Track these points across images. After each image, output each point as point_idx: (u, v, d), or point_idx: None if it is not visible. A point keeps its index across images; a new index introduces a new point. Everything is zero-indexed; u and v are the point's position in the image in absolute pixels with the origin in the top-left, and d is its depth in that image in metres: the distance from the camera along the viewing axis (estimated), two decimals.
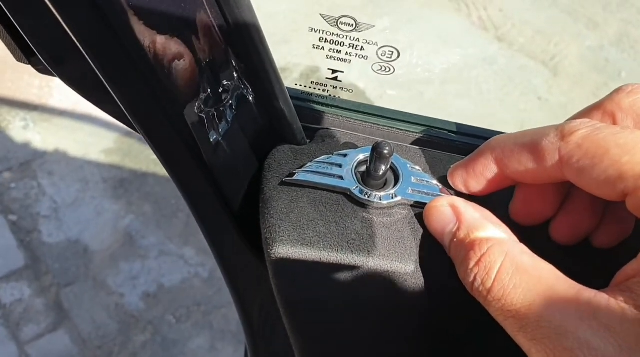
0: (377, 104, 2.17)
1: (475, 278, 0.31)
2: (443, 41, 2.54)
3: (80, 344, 1.67)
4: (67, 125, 2.11)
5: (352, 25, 0.33)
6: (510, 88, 2.39)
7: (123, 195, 1.97)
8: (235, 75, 0.39)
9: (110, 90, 0.35)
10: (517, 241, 0.33)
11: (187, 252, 1.84)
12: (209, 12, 0.35)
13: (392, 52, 0.35)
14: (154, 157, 0.39)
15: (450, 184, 0.37)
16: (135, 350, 1.68)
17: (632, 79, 2.48)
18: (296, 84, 0.40)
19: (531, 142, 0.32)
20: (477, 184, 0.36)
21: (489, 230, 0.33)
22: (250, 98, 0.40)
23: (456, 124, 0.42)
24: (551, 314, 0.28)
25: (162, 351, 1.69)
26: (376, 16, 2.54)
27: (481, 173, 0.35)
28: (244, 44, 0.36)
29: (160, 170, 1.99)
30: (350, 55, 0.35)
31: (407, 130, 0.42)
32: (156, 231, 1.89)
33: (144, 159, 2.04)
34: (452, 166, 0.37)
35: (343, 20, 0.33)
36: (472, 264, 0.32)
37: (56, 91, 2.13)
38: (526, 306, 0.29)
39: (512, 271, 0.30)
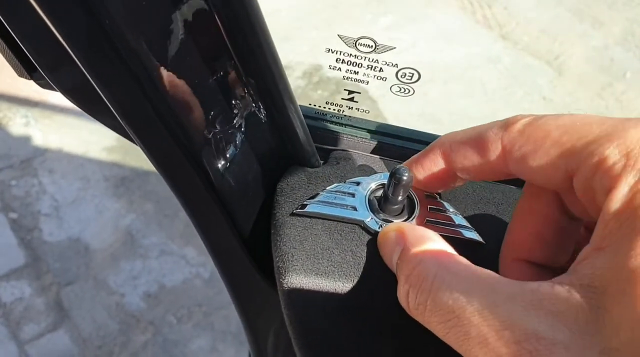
0: (380, 104, 2.16)
1: (408, 294, 0.30)
2: (447, 39, 2.52)
3: (80, 344, 1.66)
4: (68, 123, 2.10)
5: (372, 46, 0.32)
6: (515, 87, 2.38)
7: (124, 193, 1.95)
8: (246, 92, 0.37)
9: (109, 105, 0.33)
10: (455, 252, 0.31)
11: (189, 252, 1.83)
12: (219, 25, 0.33)
13: (413, 74, 0.34)
14: None
15: None
16: (135, 350, 1.67)
17: (637, 78, 2.46)
18: (310, 104, 0.38)
19: (476, 136, 0.32)
20: (425, 179, 0.35)
21: (427, 244, 0.32)
22: (262, 116, 0.39)
23: None
24: (495, 313, 0.26)
25: (163, 352, 1.68)
26: (380, 14, 2.52)
27: (429, 168, 0.35)
28: (255, 59, 0.35)
29: None
30: (369, 76, 0.34)
31: None
32: (157, 230, 1.87)
33: (145, 157, 2.02)
34: (405, 162, 0.37)
35: (362, 41, 0.31)
36: (403, 278, 0.30)
37: None
38: (467, 312, 0.27)
39: (447, 280, 0.28)
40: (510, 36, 2.55)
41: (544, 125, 0.29)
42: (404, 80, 0.35)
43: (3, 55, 0.40)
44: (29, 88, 2.16)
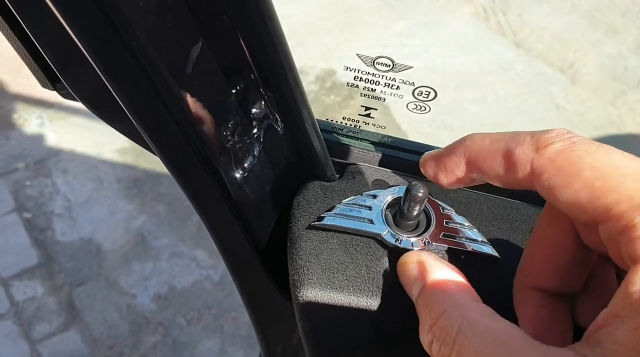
0: (392, 109, 2.16)
1: (432, 343, 0.30)
2: (460, 46, 2.52)
3: (91, 344, 1.67)
4: (82, 124, 2.12)
5: (389, 65, 0.32)
6: (527, 95, 2.37)
7: (136, 195, 1.97)
8: (264, 105, 0.38)
9: (128, 114, 0.34)
10: (478, 299, 0.31)
11: (199, 255, 1.84)
12: (239, 38, 0.34)
13: (429, 92, 0.34)
14: None
15: (421, 170, 0.36)
16: (145, 351, 1.68)
17: None
18: (327, 119, 0.39)
19: (505, 149, 0.31)
20: (445, 179, 0.34)
21: (450, 288, 0.31)
22: (279, 129, 0.39)
23: None
24: None
25: (172, 353, 1.69)
26: (392, 20, 2.52)
27: (451, 170, 0.34)
28: (274, 73, 0.35)
29: None
30: (385, 94, 0.34)
31: None
32: (169, 232, 1.89)
33: (158, 159, 2.03)
34: (425, 154, 0.36)
35: (380, 60, 0.32)
36: (427, 327, 0.30)
37: None
38: None
39: (470, 336, 0.28)
40: (524, 43, 2.54)
41: (578, 160, 0.28)
42: (420, 98, 0.35)
43: (27, 66, 0.41)
44: (44, 89, 2.18)
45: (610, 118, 2.33)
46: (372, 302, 0.34)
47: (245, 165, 0.38)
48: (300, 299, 0.35)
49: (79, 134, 2.09)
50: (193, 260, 1.84)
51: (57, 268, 1.80)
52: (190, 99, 0.35)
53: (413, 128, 2.17)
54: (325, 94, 2.28)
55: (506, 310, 0.29)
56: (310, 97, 0.40)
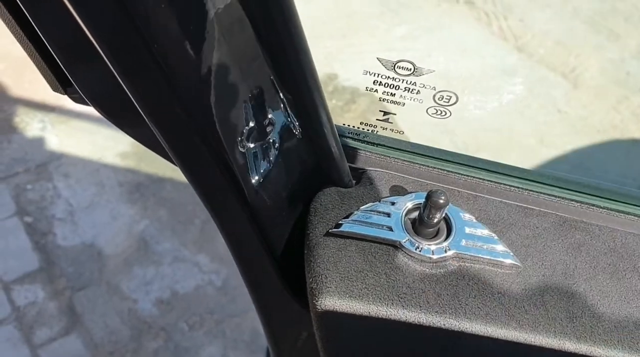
0: (397, 114, 2.15)
1: None
2: (462, 50, 2.52)
3: (92, 349, 1.66)
4: (84, 128, 2.11)
5: (410, 69, 0.32)
6: (530, 100, 2.37)
7: (138, 199, 1.96)
8: (281, 108, 0.37)
9: (146, 120, 0.33)
10: None
11: (202, 259, 1.84)
12: (258, 39, 0.33)
13: (450, 97, 0.34)
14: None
15: None
16: (147, 356, 1.67)
17: None
18: (344, 124, 0.38)
19: None
20: None
21: None
22: (297, 133, 0.39)
23: (509, 166, 0.40)
24: None
25: None
26: (395, 24, 2.52)
27: None
28: (292, 74, 0.35)
29: (177, 175, 1.99)
30: (405, 99, 0.34)
31: (457, 173, 0.40)
32: (171, 236, 1.88)
33: (160, 163, 2.03)
34: None
35: (401, 64, 0.31)
36: None
37: None
38: None
39: None
40: (526, 48, 2.54)
41: None
42: (441, 102, 0.35)
43: (39, 70, 0.40)
44: (46, 93, 2.18)
45: (612, 122, 2.33)
46: (392, 312, 0.34)
47: (262, 170, 0.38)
48: (319, 307, 0.34)
49: (81, 138, 2.09)
50: (195, 265, 1.83)
51: (58, 272, 1.79)
52: (206, 101, 0.34)
53: (414, 132, 2.17)
54: (327, 98, 2.28)
55: (526, 317, 0.29)
56: None
